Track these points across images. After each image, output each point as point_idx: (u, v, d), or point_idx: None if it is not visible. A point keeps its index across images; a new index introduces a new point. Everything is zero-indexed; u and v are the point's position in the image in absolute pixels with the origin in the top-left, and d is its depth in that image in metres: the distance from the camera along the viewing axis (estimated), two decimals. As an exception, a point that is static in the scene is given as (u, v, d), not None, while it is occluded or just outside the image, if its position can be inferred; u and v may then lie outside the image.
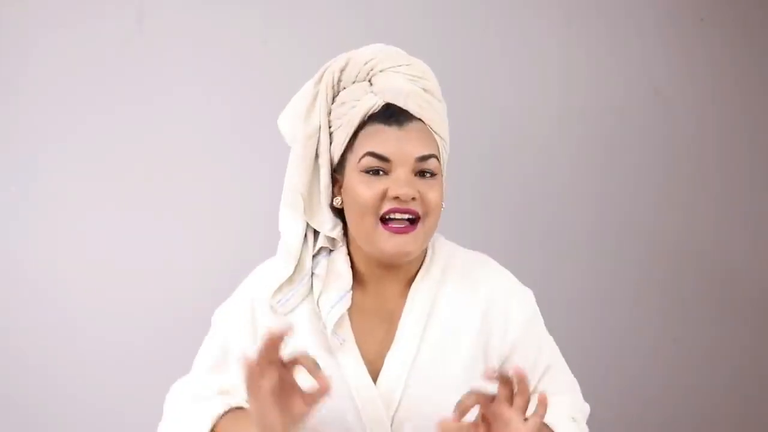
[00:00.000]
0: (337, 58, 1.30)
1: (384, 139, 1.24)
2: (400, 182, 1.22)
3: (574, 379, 1.40)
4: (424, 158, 1.24)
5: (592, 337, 2.42)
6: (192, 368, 1.39)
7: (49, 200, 2.19)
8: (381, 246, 1.23)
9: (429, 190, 1.24)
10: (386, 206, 1.22)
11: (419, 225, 1.23)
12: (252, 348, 1.29)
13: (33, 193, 2.19)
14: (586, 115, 2.40)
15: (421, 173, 1.24)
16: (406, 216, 1.22)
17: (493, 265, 1.39)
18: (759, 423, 2.52)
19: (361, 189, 1.24)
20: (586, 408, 1.40)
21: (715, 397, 2.49)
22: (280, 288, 1.30)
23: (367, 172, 1.24)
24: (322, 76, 1.30)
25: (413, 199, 1.22)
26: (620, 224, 2.43)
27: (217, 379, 1.34)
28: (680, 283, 2.46)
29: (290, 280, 1.31)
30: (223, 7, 2.23)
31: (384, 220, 1.23)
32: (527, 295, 1.36)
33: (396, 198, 1.21)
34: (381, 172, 1.23)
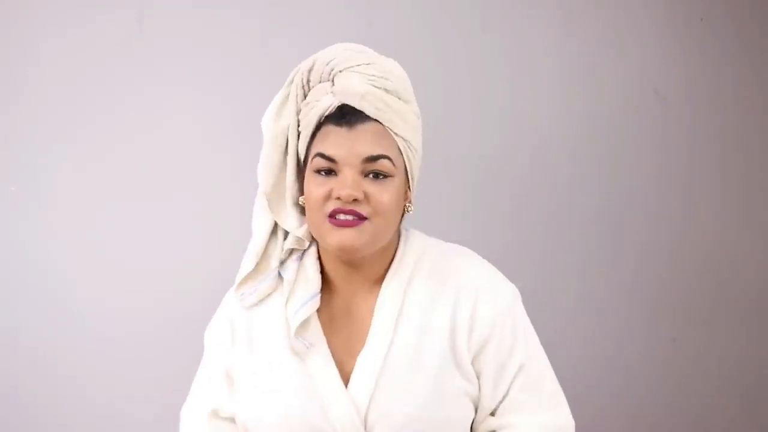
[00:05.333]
0: (307, 58, 1.31)
1: (333, 140, 1.24)
2: (344, 183, 1.22)
3: (557, 388, 1.33)
4: (372, 159, 1.23)
5: (590, 337, 2.42)
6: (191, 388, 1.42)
7: (48, 200, 2.20)
8: (328, 240, 1.24)
9: (379, 191, 1.23)
10: (330, 206, 1.23)
11: (366, 222, 1.23)
12: (230, 350, 1.33)
13: (32, 193, 2.19)
14: (585, 115, 2.40)
15: (373, 174, 1.24)
16: (350, 217, 1.23)
17: (469, 257, 1.36)
18: (758, 422, 2.52)
19: (311, 188, 1.26)
20: (568, 427, 1.32)
21: (713, 396, 2.49)
22: (244, 281, 1.33)
23: (318, 172, 1.25)
24: (293, 77, 1.32)
25: (356, 200, 1.22)
26: (618, 224, 2.43)
27: (206, 396, 1.36)
28: (679, 283, 2.47)
29: (255, 273, 1.33)
30: (223, 8, 2.24)
31: (331, 216, 1.24)
32: (503, 289, 1.32)
33: (339, 198, 1.22)
34: (331, 173, 1.25)
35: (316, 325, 1.29)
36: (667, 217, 2.45)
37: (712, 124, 2.46)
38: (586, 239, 2.42)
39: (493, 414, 1.31)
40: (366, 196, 1.23)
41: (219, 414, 1.35)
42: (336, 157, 1.24)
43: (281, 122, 1.32)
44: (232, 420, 1.34)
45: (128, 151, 2.22)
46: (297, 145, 1.31)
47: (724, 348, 2.49)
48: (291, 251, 1.34)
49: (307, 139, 1.29)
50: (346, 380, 1.27)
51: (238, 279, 1.33)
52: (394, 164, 1.25)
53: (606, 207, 2.43)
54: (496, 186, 2.37)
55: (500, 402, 1.30)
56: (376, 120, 1.25)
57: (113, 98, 2.20)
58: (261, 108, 2.21)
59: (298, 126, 1.31)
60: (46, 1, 2.17)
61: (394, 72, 1.29)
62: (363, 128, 1.25)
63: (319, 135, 1.27)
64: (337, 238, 1.23)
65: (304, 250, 1.34)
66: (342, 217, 1.23)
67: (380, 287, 1.31)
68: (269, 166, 1.33)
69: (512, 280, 1.37)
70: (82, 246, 2.21)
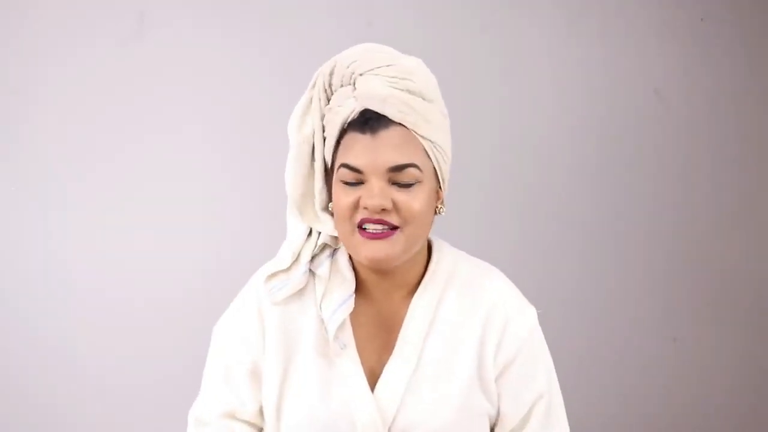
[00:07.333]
0: (328, 61, 1.28)
1: (358, 149, 1.20)
2: (371, 193, 1.19)
3: (563, 412, 1.33)
4: (398, 168, 1.19)
5: (593, 337, 2.42)
6: (201, 388, 1.34)
7: (48, 200, 2.20)
8: (358, 252, 1.21)
9: (408, 199, 1.20)
10: (359, 216, 1.20)
11: (398, 232, 1.20)
12: (260, 345, 1.27)
13: (32, 193, 2.19)
14: (586, 115, 2.40)
15: (400, 182, 1.21)
16: (380, 227, 1.20)
17: (499, 277, 1.35)
18: (759, 422, 2.52)
19: (338, 198, 1.22)
20: None
21: (715, 396, 2.49)
22: (274, 275, 1.29)
23: (345, 182, 1.22)
24: (315, 81, 1.28)
25: (384, 210, 1.19)
26: (620, 224, 2.43)
27: (222, 397, 1.29)
28: (681, 283, 2.47)
29: (286, 269, 1.29)
30: (223, 8, 2.24)
31: (361, 227, 1.21)
32: (528, 314, 1.32)
33: (366, 208, 1.19)
34: (357, 182, 1.21)
35: (348, 327, 1.27)
36: (667, 217, 2.45)
37: (711, 123, 2.46)
38: (586, 240, 2.42)
39: None
40: (395, 204, 1.20)
41: (236, 416, 1.28)
42: (361, 168, 1.20)
43: (305, 129, 1.28)
44: (250, 424, 1.29)
45: (128, 150, 2.22)
46: (323, 151, 1.27)
47: (724, 348, 2.49)
48: (323, 247, 1.31)
49: (333, 147, 1.25)
50: (371, 386, 1.25)
51: (267, 273, 1.29)
52: (421, 170, 1.21)
53: (605, 207, 2.43)
54: (495, 186, 2.37)
55: (522, 425, 1.29)
56: (400, 124, 1.21)
57: (113, 98, 2.20)
58: (260, 107, 2.23)
59: (324, 131, 1.27)
60: (46, 1, 2.17)
61: (417, 71, 1.23)
62: (387, 134, 1.20)
63: (343, 143, 1.23)
64: (368, 251, 1.20)
65: (336, 248, 1.31)
66: (372, 228, 1.20)
67: (412, 297, 1.29)
68: (296, 175, 1.29)
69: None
70: (82, 246, 2.21)
